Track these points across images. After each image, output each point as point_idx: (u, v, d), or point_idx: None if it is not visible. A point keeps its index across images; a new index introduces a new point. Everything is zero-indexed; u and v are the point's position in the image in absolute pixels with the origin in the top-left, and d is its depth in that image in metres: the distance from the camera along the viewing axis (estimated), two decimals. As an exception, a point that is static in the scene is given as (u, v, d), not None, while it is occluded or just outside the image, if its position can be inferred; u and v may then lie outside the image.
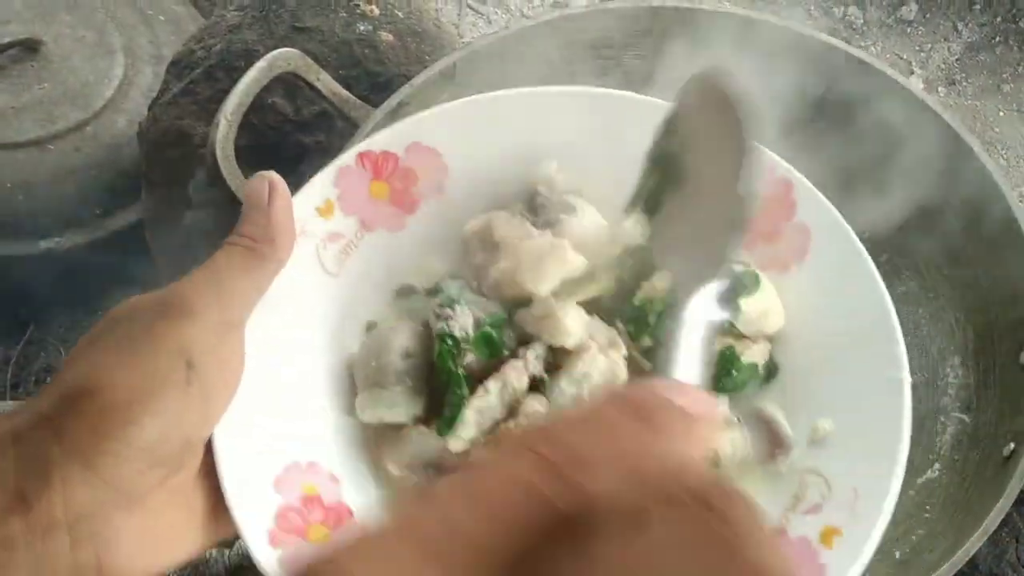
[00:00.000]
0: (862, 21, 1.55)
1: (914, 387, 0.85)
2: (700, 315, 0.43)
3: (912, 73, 1.51)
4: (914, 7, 1.56)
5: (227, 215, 0.97)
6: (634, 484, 0.29)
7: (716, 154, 0.47)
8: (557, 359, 0.54)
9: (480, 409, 0.51)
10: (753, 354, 0.56)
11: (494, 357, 0.53)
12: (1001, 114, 1.46)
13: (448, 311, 0.53)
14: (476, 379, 0.52)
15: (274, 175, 0.50)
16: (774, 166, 0.59)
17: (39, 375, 1.29)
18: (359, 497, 0.53)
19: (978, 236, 0.83)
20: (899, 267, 0.90)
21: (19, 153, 1.21)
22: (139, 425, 0.41)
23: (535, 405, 0.52)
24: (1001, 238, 0.80)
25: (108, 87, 1.24)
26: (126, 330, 0.44)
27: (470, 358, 0.53)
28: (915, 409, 0.84)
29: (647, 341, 0.55)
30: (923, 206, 0.87)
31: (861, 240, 0.58)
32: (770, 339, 0.58)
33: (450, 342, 0.52)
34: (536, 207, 0.59)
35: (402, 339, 0.55)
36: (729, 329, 0.56)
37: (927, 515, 0.75)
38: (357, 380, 0.56)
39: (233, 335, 0.48)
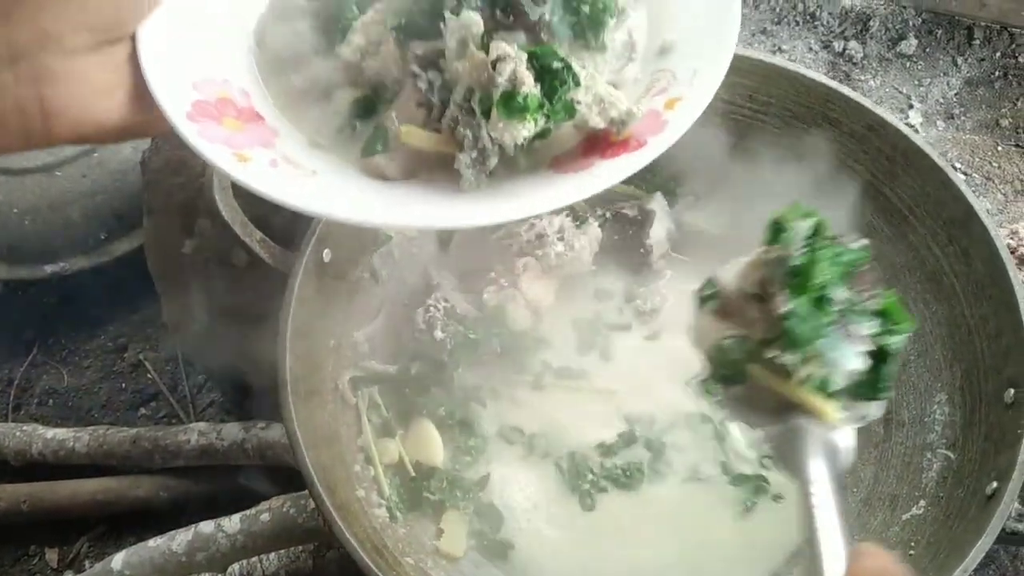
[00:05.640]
0: (862, 55, 1.56)
1: (901, 423, 0.87)
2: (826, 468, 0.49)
3: (911, 107, 1.52)
4: (914, 42, 1.57)
5: (224, 243, 0.99)
6: None
7: None
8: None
9: (366, 23, 0.55)
10: None
11: None
12: (999, 148, 1.47)
13: None
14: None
15: None
16: None
17: (42, 397, 1.31)
18: (265, 110, 0.57)
19: (965, 275, 0.83)
20: (888, 303, 0.90)
21: (27, 179, 1.23)
22: None
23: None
24: (988, 278, 0.81)
25: (115, 115, 1.26)
26: None
27: None
28: (902, 445, 0.86)
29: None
30: (911, 243, 0.88)
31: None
32: None
33: None
34: None
35: None
36: None
37: (912, 552, 0.75)
38: (267, 19, 0.60)
39: None
